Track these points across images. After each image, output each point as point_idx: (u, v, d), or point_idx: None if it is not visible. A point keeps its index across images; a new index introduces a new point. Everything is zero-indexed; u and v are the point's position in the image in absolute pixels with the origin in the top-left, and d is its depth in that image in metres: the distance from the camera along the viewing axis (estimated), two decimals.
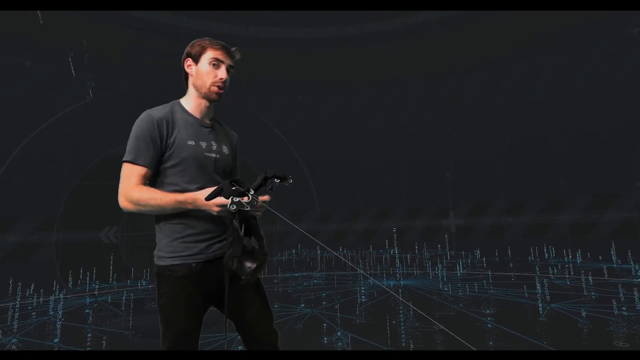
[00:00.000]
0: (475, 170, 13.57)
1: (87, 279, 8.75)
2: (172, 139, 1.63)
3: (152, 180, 1.66)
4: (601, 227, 11.17)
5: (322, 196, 14.96)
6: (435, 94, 14.10)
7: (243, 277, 1.51)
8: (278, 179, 1.57)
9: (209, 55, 1.70)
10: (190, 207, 1.56)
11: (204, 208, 1.54)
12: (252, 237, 1.54)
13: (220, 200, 1.48)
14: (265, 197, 1.56)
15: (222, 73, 1.70)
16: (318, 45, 13.65)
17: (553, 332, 4.57)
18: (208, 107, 1.77)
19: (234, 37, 12.68)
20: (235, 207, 1.46)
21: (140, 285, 8.81)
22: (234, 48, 1.75)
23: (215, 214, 1.54)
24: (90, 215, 10.62)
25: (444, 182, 14.09)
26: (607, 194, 11.21)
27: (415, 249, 12.09)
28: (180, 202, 1.56)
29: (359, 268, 9.98)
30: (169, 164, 1.63)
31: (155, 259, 1.64)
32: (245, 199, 1.48)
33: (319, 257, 11.88)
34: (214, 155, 1.72)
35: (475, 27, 12.43)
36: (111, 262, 9.58)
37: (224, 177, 1.78)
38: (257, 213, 1.59)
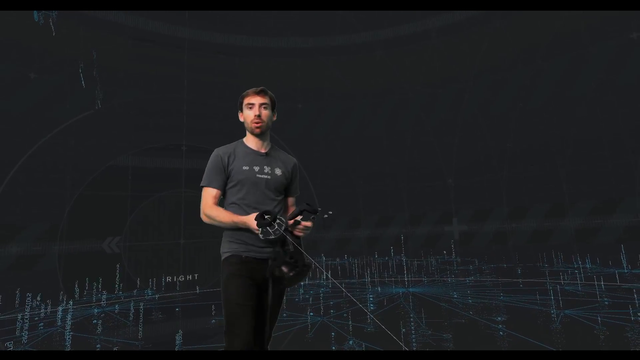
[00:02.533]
0: (478, 176, 13.56)
1: (94, 289, 8.66)
2: (231, 167, 2.16)
3: (221, 199, 2.17)
4: (606, 232, 11.14)
5: (323, 204, 14.90)
6: (436, 100, 14.14)
7: (283, 281, 1.90)
8: (310, 212, 1.98)
9: (244, 102, 2.26)
10: (243, 226, 2.01)
11: (252, 230, 1.96)
12: (295, 251, 1.92)
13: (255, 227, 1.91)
14: (308, 223, 2.01)
15: (254, 111, 2.22)
16: (318, 54, 13.71)
17: (569, 338, 4.53)
18: (259, 140, 2.27)
19: (235, 47, 12.73)
20: (262, 235, 1.87)
21: (147, 296, 8.73)
22: (259, 88, 2.26)
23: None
24: (93, 225, 10.53)
25: (447, 188, 14.08)
26: (611, 199, 11.20)
27: (420, 256, 12.04)
28: (235, 223, 2.04)
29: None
30: (230, 185, 2.17)
31: (222, 256, 2.13)
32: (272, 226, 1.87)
33: (324, 265, 11.81)
34: (265, 176, 2.19)
35: (476, 34, 12.52)
36: (117, 272, 9.49)
37: (277, 194, 2.23)
38: (299, 234, 2.01)
